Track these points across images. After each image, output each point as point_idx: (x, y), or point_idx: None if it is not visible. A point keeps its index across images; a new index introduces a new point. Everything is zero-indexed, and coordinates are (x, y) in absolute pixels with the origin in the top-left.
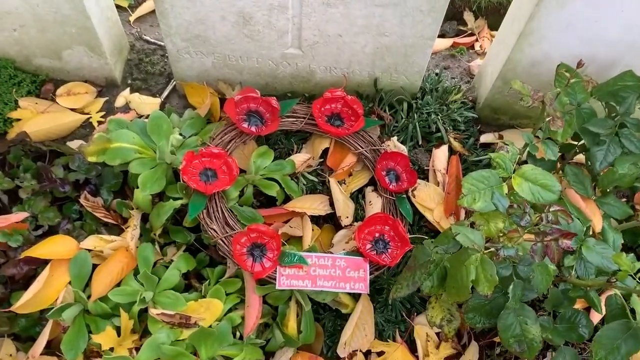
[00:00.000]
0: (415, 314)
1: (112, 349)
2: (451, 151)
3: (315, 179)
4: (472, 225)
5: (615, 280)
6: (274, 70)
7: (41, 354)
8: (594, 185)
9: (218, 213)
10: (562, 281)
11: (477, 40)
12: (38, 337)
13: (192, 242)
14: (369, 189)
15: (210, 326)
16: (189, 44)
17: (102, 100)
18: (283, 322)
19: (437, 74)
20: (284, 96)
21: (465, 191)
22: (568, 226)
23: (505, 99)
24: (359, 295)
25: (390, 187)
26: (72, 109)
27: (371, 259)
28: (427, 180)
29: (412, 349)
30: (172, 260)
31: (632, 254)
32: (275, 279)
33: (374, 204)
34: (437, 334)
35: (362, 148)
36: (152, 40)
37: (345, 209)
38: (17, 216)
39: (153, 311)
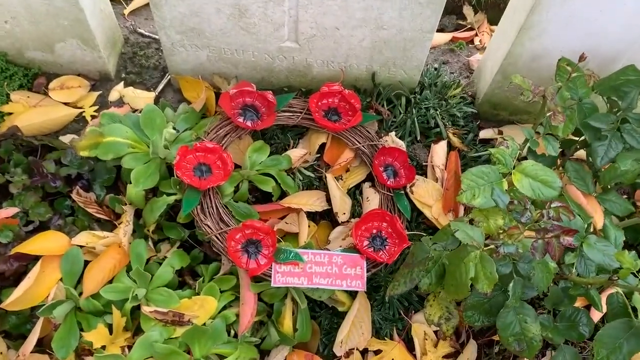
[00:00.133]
0: (413, 312)
1: (104, 347)
2: (450, 147)
3: (312, 175)
4: (471, 221)
5: (617, 278)
6: (270, 64)
7: (32, 352)
8: (594, 181)
9: (212, 209)
10: (562, 279)
11: (476, 34)
12: (29, 334)
13: (186, 238)
14: (366, 185)
15: (204, 324)
16: (184, 37)
17: (95, 94)
18: (278, 320)
19: (436, 69)
20: (280, 90)
21: (465, 187)
22: (569, 223)
23: (505, 94)
24: (356, 292)
25: (388, 183)
26: (65, 103)
27: (368, 256)
28: (426, 176)
29: (410, 347)
30: (165, 257)
31: (634, 251)
32: (270, 276)
33: (372, 200)
34: (435, 332)
35: (360, 143)
36: (147, 34)
37: (342, 205)
38: (7, 211)
39: (146, 309)
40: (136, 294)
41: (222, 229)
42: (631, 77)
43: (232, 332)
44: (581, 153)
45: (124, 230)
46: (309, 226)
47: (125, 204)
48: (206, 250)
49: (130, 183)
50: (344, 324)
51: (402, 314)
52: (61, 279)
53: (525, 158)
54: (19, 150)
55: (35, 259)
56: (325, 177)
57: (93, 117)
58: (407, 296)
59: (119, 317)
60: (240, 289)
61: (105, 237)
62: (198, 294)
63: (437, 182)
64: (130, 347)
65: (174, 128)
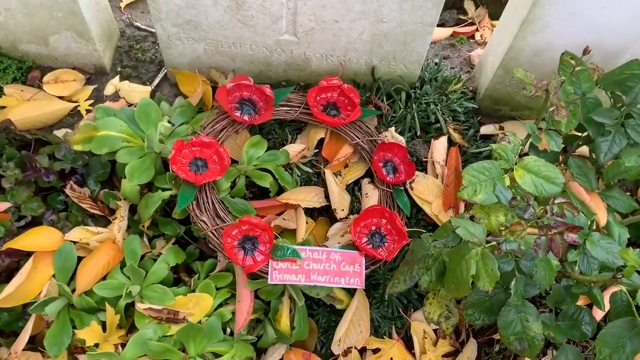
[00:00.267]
0: (412, 310)
1: (97, 345)
2: (450, 142)
3: (310, 170)
4: (472, 218)
5: (621, 276)
6: (268, 57)
7: (24, 350)
8: (597, 178)
9: (208, 204)
10: (564, 277)
11: (477, 29)
12: (21, 332)
13: (181, 234)
14: (365, 180)
15: (199, 322)
16: (180, 30)
17: (90, 88)
18: (275, 318)
19: (436, 64)
20: (278, 85)
21: (466, 183)
22: (572, 219)
23: (507, 89)
24: (354, 290)
25: (388, 179)
26: (60, 97)
27: (367, 253)
28: (426, 172)
29: (409, 346)
30: (160, 253)
31: (638, 249)
32: (267, 273)
33: (371, 196)
34: (435, 330)
35: (359, 139)
36: (143, 27)
37: (340, 202)
38: None
39: (140, 306)
40: (130, 291)
41: (218, 225)
42: (635, 71)
43: (228, 330)
44: (583, 149)
45: (119, 225)
46: (306, 222)
47: (120, 199)
48: (202, 247)
49: (125, 178)
50: (342, 322)
51: (401, 312)
52: (54, 276)
53: (526, 154)
54: (12, 145)
55: (28, 254)
56: (324, 172)
57: (88, 111)
58: (407, 294)
59: (113, 315)
60: (237, 286)
61: (99, 233)
62: (193, 291)
63: (437, 178)
64: (123, 345)
65: (169, 122)
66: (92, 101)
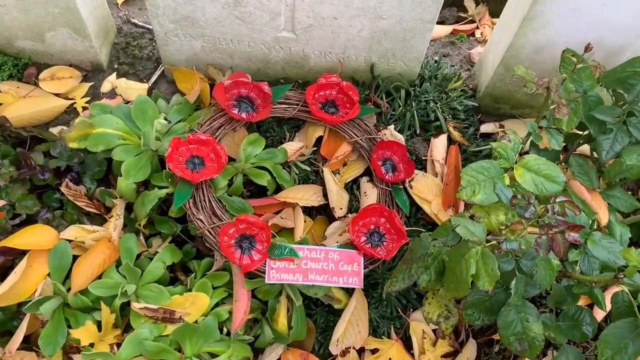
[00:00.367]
0: (411, 309)
1: (92, 345)
2: (450, 141)
3: (308, 169)
4: (472, 217)
5: (622, 276)
6: (266, 54)
7: (18, 349)
8: (599, 177)
9: (205, 203)
10: (565, 277)
11: (477, 27)
12: (15, 331)
13: (178, 233)
14: (364, 179)
15: (195, 321)
16: (177, 26)
17: (87, 85)
18: (273, 318)
19: (436, 61)
20: (276, 82)
21: (465, 183)
22: (574, 218)
23: (507, 87)
24: (353, 290)
25: (387, 177)
26: (56, 94)
27: (366, 252)
28: (425, 171)
29: (408, 346)
30: (157, 252)
31: None
32: (264, 273)
33: (370, 195)
34: (434, 330)
35: (358, 137)
36: (140, 24)
37: (339, 200)
38: None
39: (136, 305)
40: (126, 290)
41: (215, 223)
42: (637, 69)
43: (225, 330)
44: (584, 148)
45: (114, 224)
46: (304, 221)
47: (116, 198)
48: (199, 246)
49: (121, 176)
50: (340, 322)
51: (400, 312)
52: (49, 274)
53: (527, 153)
54: (7, 142)
55: (22, 253)
56: (322, 171)
57: (84, 108)
58: (406, 294)
59: (108, 314)
60: (234, 285)
61: (95, 232)
62: (190, 290)
63: (436, 176)
64: (119, 345)
65: (166, 119)
66: (88, 98)
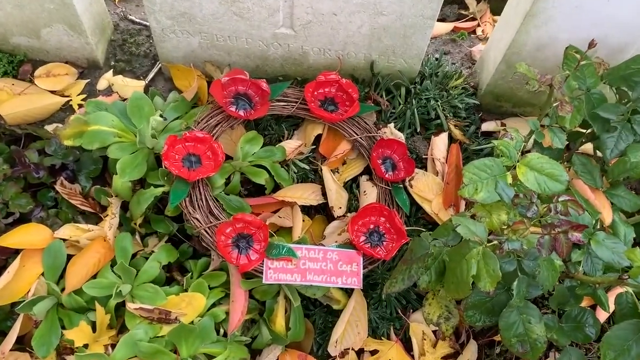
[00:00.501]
0: (411, 310)
1: (86, 346)
2: (451, 139)
3: (307, 167)
4: (473, 217)
5: (626, 277)
6: (265, 51)
7: (11, 350)
8: (602, 175)
9: (202, 201)
10: (568, 277)
11: (478, 25)
12: (9, 332)
13: (174, 232)
14: (363, 178)
15: (191, 322)
16: (174, 23)
17: (83, 82)
18: (270, 319)
19: (437, 59)
20: (275, 79)
21: (467, 181)
22: (577, 218)
23: (509, 84)
24: (352, 290)
25: (387, 176)
26: (52, 91)
27: (365, 252)
28: (426, 170)
29: (408, 347)
30: (152, 252)
31: None
32: (262, 273)
33: (369, 194)
34: (434, 332)
35: (357, 135)
36: (137, 20)
37: (338, 199)
38: None
39: (131, 305)
40: (120, 290)
41: (211, 222)
42: None
43: (222, 330)
44: (587, 147)
45: (110, 223)
46: (303, 220)
47: (111, 196)
48: (195, 245)
49: (116, 174)
50: (339, 323)
51: (399, 312)
52: (42, 274)
53: (529, 151)
54: (1, 139)
55: (16, 252)
56: (321, 169)
57: (80, 105)
58: (405, 294)
59: (103, 315)
60: (231, 285)
61: (90, 231)
62: (186, 290)
63: (437, 175)
64: (114, 346)
65: (162, 116)
66: (84, 95)
